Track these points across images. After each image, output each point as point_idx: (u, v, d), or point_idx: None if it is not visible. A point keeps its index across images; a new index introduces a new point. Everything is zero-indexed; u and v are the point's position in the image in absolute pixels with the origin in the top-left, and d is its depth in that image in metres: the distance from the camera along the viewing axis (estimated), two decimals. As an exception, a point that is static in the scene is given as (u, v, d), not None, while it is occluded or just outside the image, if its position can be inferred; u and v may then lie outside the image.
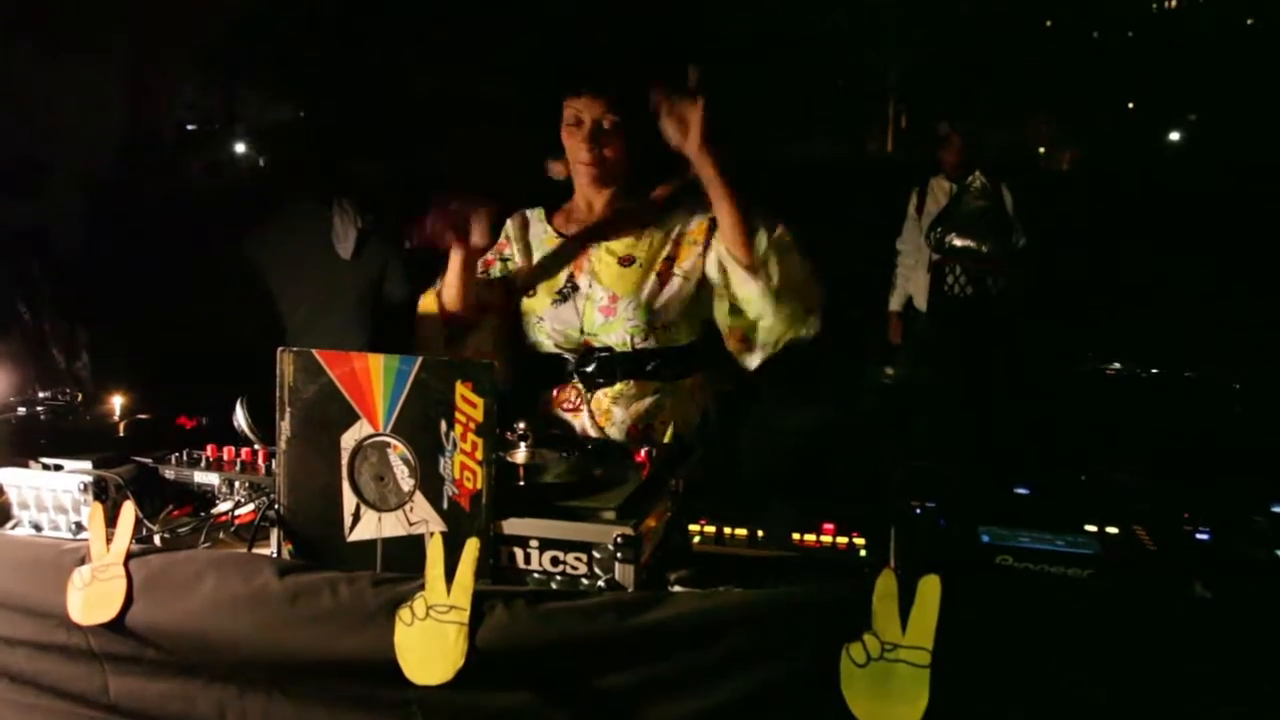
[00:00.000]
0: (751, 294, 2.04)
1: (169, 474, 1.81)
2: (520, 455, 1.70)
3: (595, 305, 2.15)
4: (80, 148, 3.59)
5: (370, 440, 1.53)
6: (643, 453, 1.74)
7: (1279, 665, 1.28)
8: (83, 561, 1.59)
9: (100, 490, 1.69)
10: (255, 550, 1.60)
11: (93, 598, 1.56)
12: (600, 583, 1.46)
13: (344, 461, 1.54)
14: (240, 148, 7.06)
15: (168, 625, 1.55)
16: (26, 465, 1.79)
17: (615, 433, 2.14)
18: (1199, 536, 1.57)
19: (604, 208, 2.22)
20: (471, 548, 1.43)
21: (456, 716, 1.45)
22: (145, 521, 1.67)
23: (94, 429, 2.01)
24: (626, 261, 2.16)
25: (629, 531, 1.45)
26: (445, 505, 1.51)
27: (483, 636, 1.39)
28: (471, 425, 1.49)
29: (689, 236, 2.16)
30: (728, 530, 1.69)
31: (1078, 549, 1.50)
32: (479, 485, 1.49)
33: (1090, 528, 1.58)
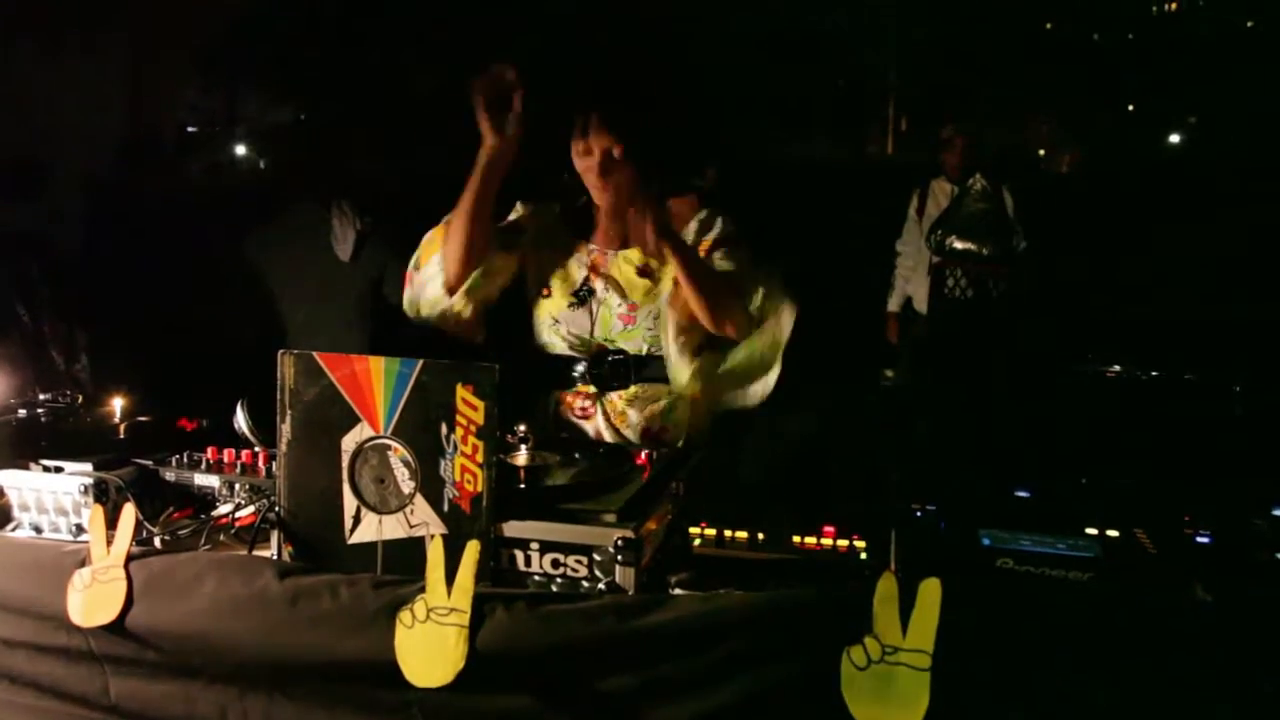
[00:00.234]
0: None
1: (169, 476, 1.80)
2: (521, 458, 1.70)
3: (613, 313, 2.14)
4: (80, 149, 3.59)
5: (371, 443, 1.53)
6: (643, 455, 1.74)
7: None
8: (83, 563, 1.59)
9: (101, 492, 1.68)
10: (256, 552, 1.60)
11: (93, 600, 1.56)
12: (601, 585, 1.47)
13: (344, 464, 1.54)
14: (241, 149, 7.05)
15: (168, 627, 1.55)
16: (27, 467, 1.79)
17: (631, 435, 2.14)
18: (1200, 539, 1.57)
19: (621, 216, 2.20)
20: (472, 550, 1.43)
21: (457, 719, 1.44)
22: (145, 524, 1.67)
23: (94, 431, 2.01)
24: (644, 271, 2.15)
25: (630, 534, 1.45)
26: (446, 508, 1.51)
27: (483, 639, 1.39)
28: (472, 428, 1.49)
29: (702, 248, 2.15)
30: (728, 533, 1.69)
31: (1078, 552, 1.50)
32: (480, 488, 1.49)
33: (1091, 531, 1.58)
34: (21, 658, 1.65)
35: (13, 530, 1.74)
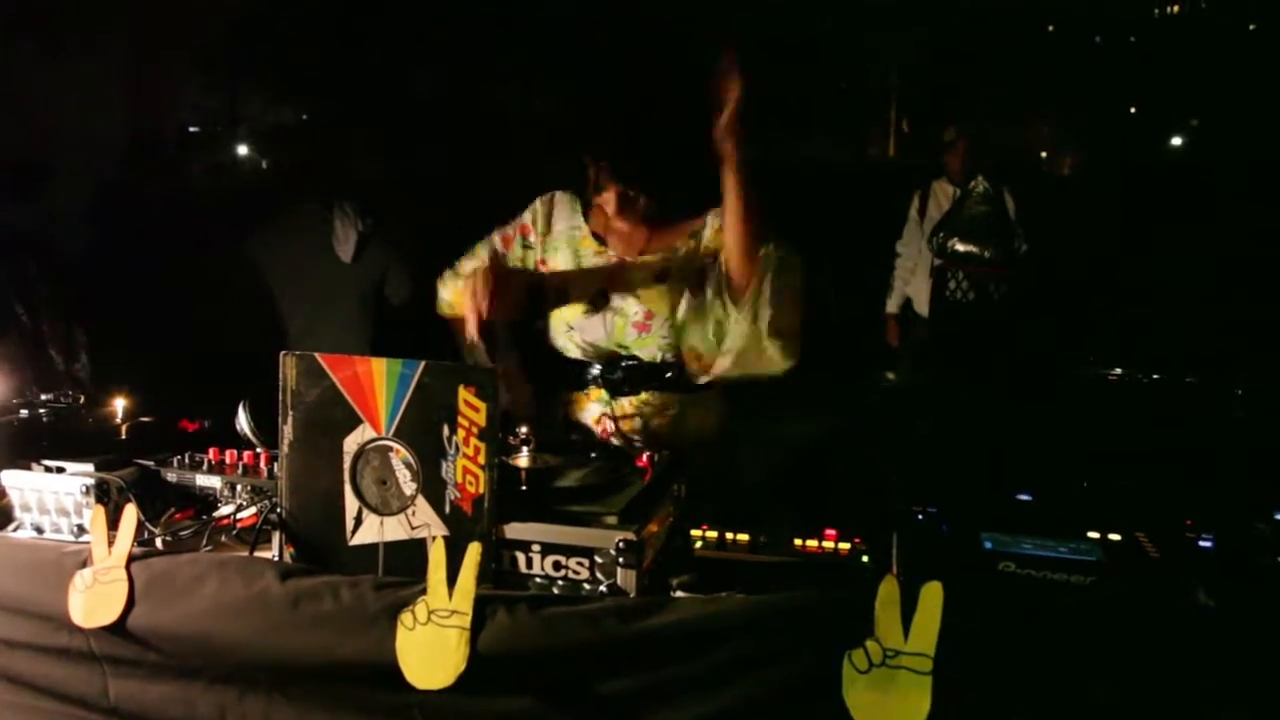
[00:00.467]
0: (739, 331, 2.02)
1: (171, 477, 1.81)
2: (523, 459, 1.70)
3: (629, 320, 2.13)
4: (81, 149, 3.59)
5: (373, 444, 1.53)
6: (645, 457, 1.74)
7: (1281, 672, 1.28)
8: (84, 564, 1.59)
9: (102, 493, 1.69)
10: (257, 554, 1.60)
11: (94, 600, 1.56)
12: (602, 588, 1.47)
13: (346, 465, 1.54)
14: (242, 150, 7.06)
15: (169, 628, 1.54)
16: (29, 468, 1.79)
17: (640, 441, 2.13)
18: (1201, 543, 1.57)
19: (638, 226, 2.19)
20: (473, 552, 1.43)
21: (458, 721, 1.45)
22: (147, 524, 1.67)
23: (96, 432, 2.02)
24: (661, 277, 2.14)
25: (631, 536, 1.45)
26: (447, 509, 1.51)
27: (484, 641, 1.39)
28: (474, 429, 1.49)
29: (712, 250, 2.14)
30: (730, 535, 1.69)
31: (1080, 555, 1.50)
32: (481, 489, 1.49)
33: (1092, 534, 1.58)
34: (22, 658, 1.65)
35: (14, 530, 1.75)
